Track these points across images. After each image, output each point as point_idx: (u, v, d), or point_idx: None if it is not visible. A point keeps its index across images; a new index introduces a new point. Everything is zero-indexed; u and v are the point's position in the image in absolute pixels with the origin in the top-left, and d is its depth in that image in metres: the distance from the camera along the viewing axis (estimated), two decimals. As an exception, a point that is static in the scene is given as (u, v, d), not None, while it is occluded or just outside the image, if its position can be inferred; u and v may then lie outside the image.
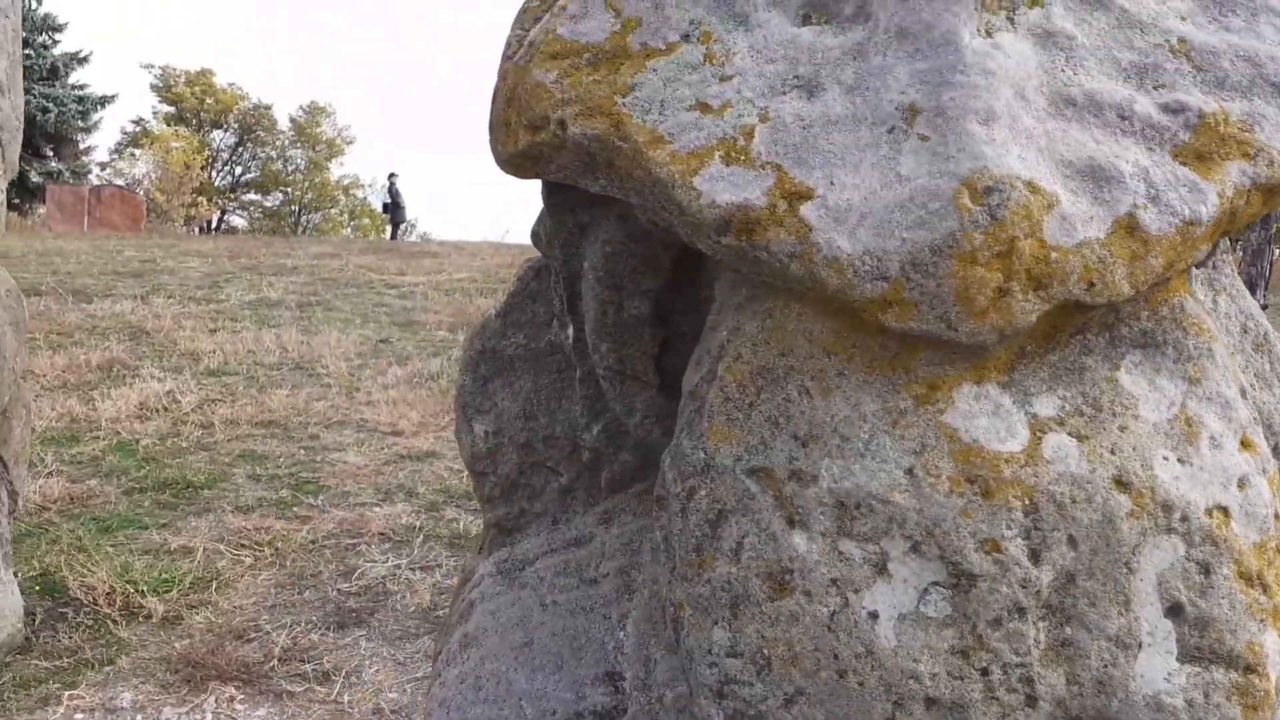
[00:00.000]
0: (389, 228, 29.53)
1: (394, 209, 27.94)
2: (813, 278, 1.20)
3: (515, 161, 1.49)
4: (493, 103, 1.55)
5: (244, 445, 5.68)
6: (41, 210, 32.84)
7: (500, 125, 1.49)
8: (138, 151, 40.44)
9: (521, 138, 1.44)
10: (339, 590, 4.08)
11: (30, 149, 30.23)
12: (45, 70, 29.69)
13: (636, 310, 1.52)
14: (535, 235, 1.74)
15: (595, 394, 1.63)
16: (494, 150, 1.56)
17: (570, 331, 1.64)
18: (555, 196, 1.59)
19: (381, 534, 4.57)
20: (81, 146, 35.02)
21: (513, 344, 1.79)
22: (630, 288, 1.51)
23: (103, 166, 38.51)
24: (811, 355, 1.24)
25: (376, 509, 4.87)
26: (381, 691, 3.40)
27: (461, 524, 4.72)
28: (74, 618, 3.80)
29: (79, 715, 3.23)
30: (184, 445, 5.63)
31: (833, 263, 1.19)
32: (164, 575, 4.07)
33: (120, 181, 38.19)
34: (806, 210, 1.21)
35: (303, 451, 5.64)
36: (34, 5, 30.05)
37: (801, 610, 1.16)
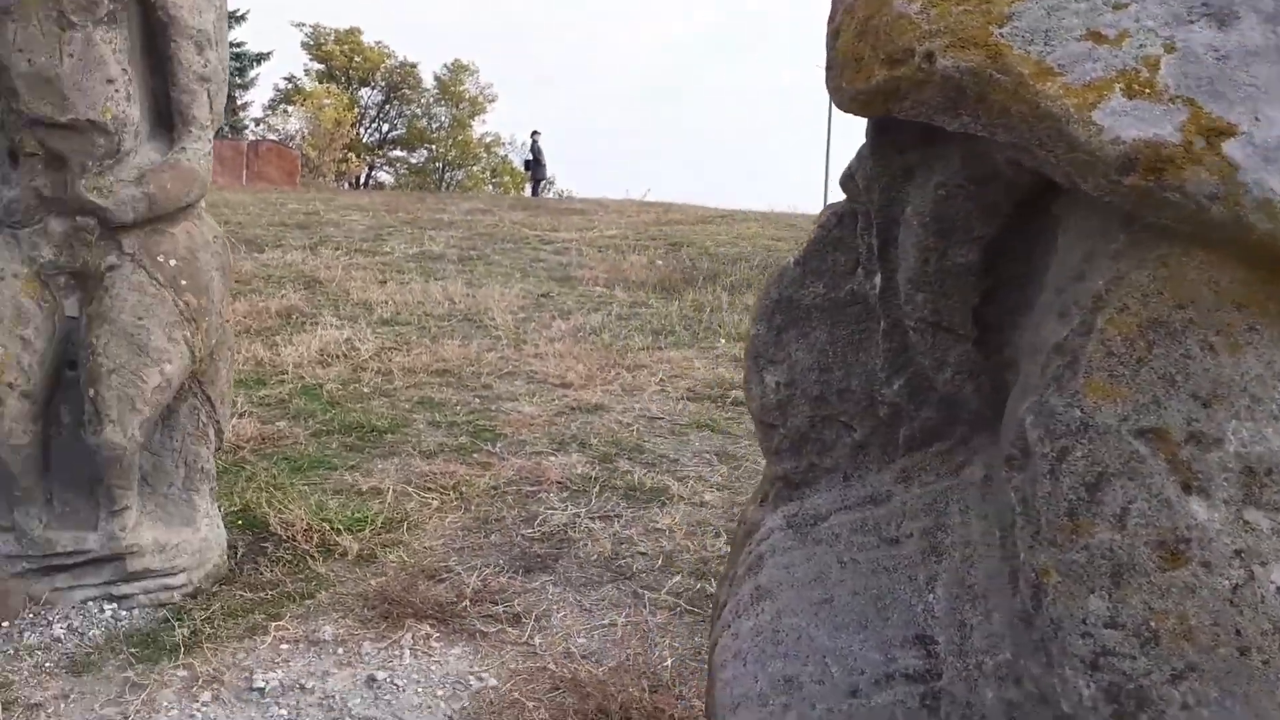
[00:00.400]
0: (529, 185, 29.84)
1: (535, 166, 28.20)
2: (1238, 222, 1.09)
3: (863, 99, 1.41)
4: (833, 39, 1.46)
5: (421, 393, 5.79)
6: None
7: (848, 60, 1.40)
8: (290, 108, 41.74)
9: (877, 73, 1.35)
10: (523, 535, 4.11)
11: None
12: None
13: (963, 258, 1.42)
14: (846, 179, 1.66)
15: (899, 347, 1.55)
16: (835, 88, 1.47)
17: (878, 280, 1.56)
18: (883, 136, 1.50)
19: (559, 483, 4.59)
20: (238, 102, 36.26)
21: (811, 293, 1.71)
22: (960, 234, 1.42)
23: (257, 122, 39.82)
24: (1217, 308, 1.13)
25: (552, 458, 4.90)
26: (571, 636, 3.41)
27: (635, 476, 4.71)
28: (273, 552, 3.92)
29: (284, 645, 3.33)
30: (365, 391, 5.76)
31: (1264, 205, 1.08)
32: (356, 514, 4.17)
33: (274, 137, 39.59)
34: (1230, 148, 1.10)
35: (477, 400, 5.72)
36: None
37: (1198, 582, 1.07)
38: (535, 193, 28.13)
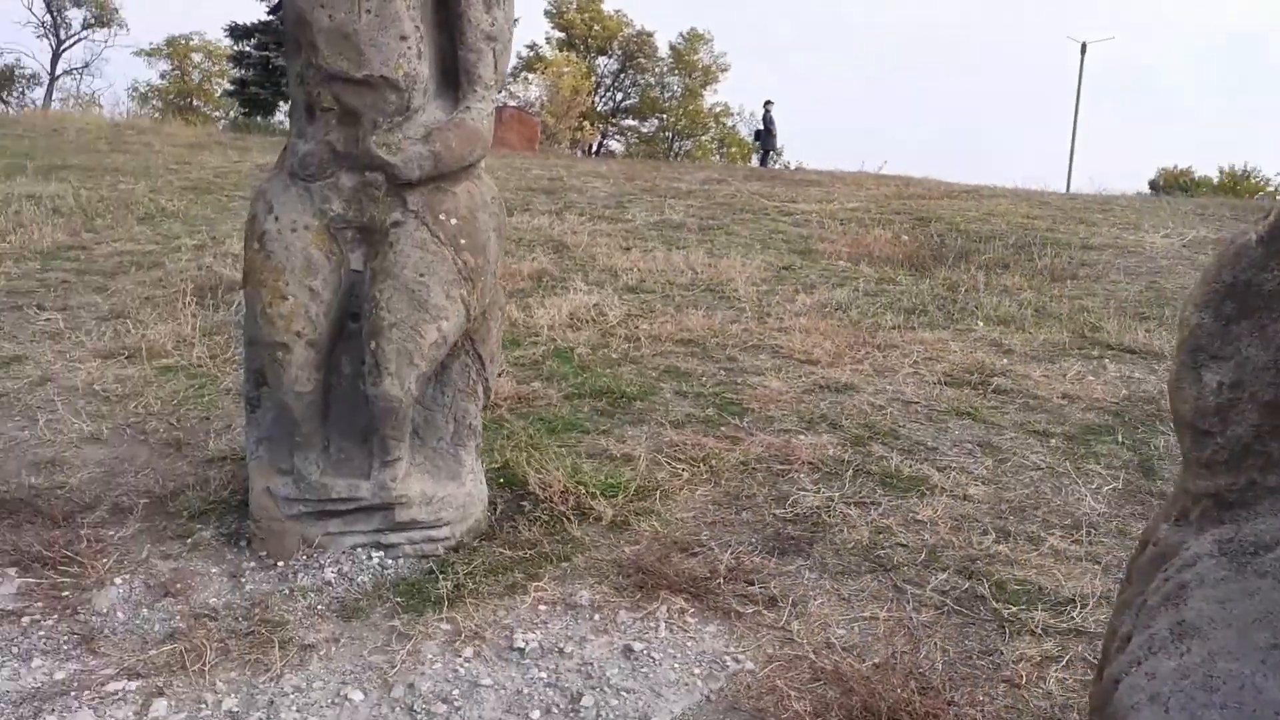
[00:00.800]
0: (759, 155, 29.53)
1: (766, 136, 27.83)
2: None
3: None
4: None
5: (667, 361, 5.74)
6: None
7: None
8: (531, 75, 42.91)
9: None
10: (774, 515, 3.98)
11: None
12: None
13: None
14: None
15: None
16: None
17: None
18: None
19: (810, 463, 4.43)
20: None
21: (1275, 278, 1.47)
22: None
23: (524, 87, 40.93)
24: None
25: (801, 437, 4.74)
26: (829, 626, 3.26)
27: (892, 463, 4.49)
28: (531, 511, 3.94)
29: (542, 606, 3.33)
30: (613, 356, 5.77)
31: None
32: (610, 480, 4.15)
33: (514, 103, 40.82)
34: None
35: (723, 372, 5.62)
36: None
37: None
38: (764, 163, 27.80)
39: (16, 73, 41.93)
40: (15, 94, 41.26)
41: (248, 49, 31.97)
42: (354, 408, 3.70)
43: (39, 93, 41.76)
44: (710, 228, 10.41)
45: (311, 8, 3.34)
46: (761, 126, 28.15)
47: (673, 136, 45.92)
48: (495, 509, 3.97)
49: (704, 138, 47.04)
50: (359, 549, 3.70)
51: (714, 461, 4.38)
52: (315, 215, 3.54)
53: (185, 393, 5.08)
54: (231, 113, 41.79)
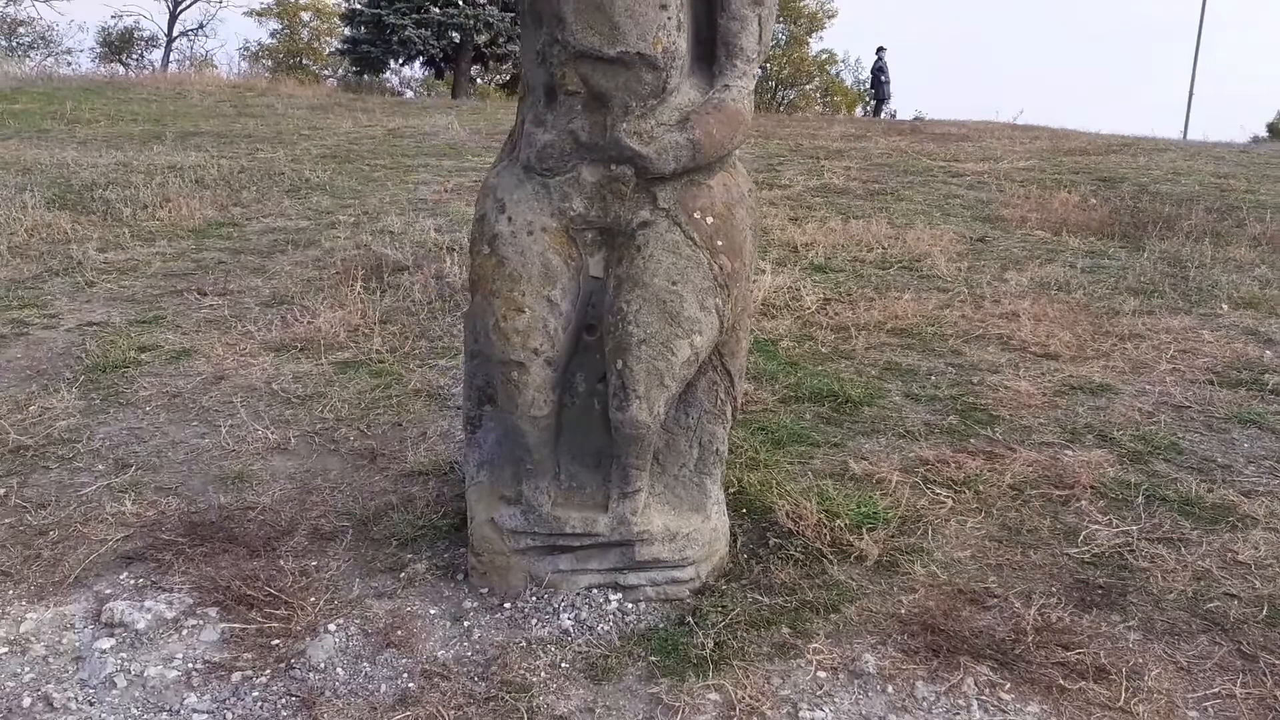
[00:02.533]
0: (871, 105, 28.50)
1: (880, 85, 26.81)
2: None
3: None
4: None
5: (884, 356, 5.24)
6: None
7: None
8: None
9: None
10: (1069, 556, 3.47)
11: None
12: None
13: None
14: None
15: None
16: None
17: None
18: None
19: (1092, 488, 3.89)
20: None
21: None
22: None
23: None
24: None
25: (1068, 452, 4.20)
26: (1177, 706, 2.78)
27: (1186, 486, 3.94)
28: (778, 545, 3.50)
29: (822, 674, 2.92)
30: (822, 351, 5.28)
31: None
32: (863, 509, 3.67)
33: None
34: None
35: (952, 370, 5.09)
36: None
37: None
38: (878, 113, 26.83)
39: (135, 36, 42.82)
40: (134, 56, 42.17)
41: (359, 6, 31.91)
42: (587, 429, 3.31)
43: (156, 55, 42.61)
44: (877, 193, 9.79)
45: (557, -26, 2.89)
46: (875, 75, 27.12)
47: (775, 85, 44.71)
48: (736, 541, 3.54)
49: (808, 86, 45.73)
50: (594, 590, 3.32)
51: (979, 485, 3.88)
52: (554, 215, 3.12)
53: (372, 394, 4.77)
54: (341, 70, 42.11)
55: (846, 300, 5.96)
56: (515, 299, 3.08)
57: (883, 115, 26.33)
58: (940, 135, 17.05)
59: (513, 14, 31.16)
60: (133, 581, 3.32)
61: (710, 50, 3.15)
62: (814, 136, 14.93)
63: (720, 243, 3.11)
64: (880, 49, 26.88)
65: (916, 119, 21.88)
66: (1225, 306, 5.96)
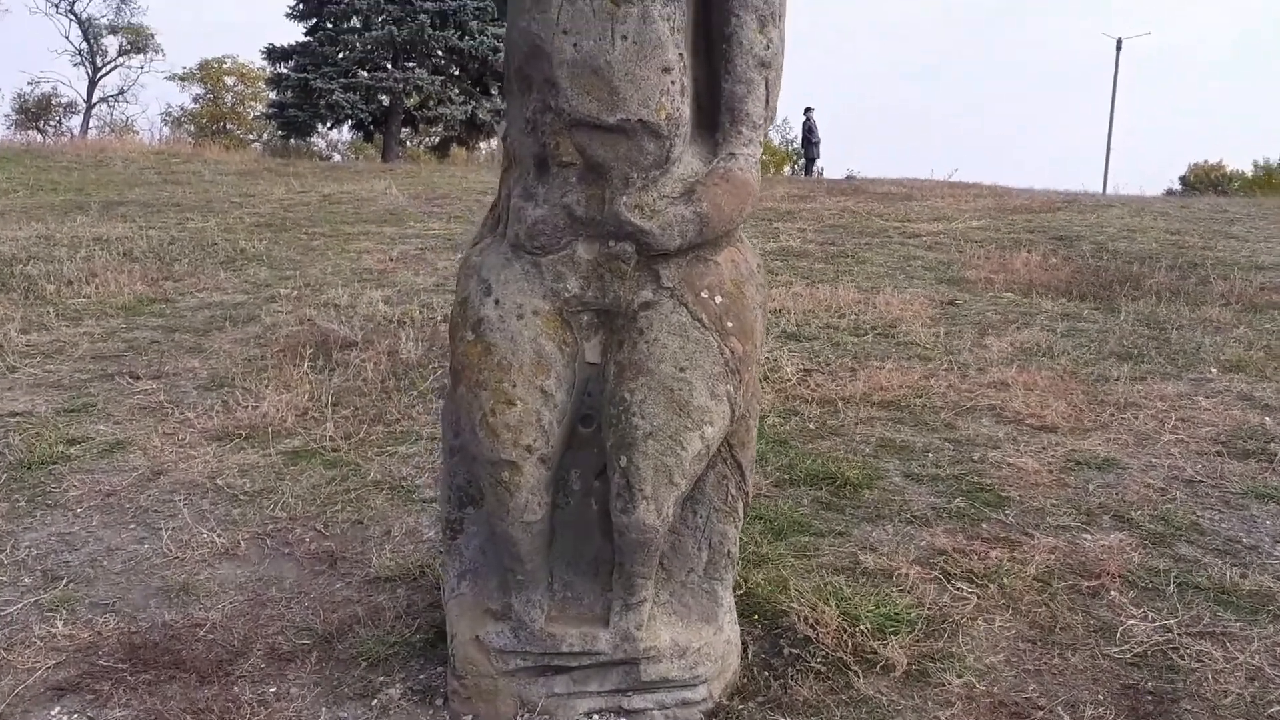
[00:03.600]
0: (803, 163, 28.97)
1: (808, 145, 27.32)
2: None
3: None
4: None
5: (875, 431, 5.00)
6: (485, 147, 35.27)
7: None
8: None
9: None
10: (1110, 657, 3.23)
11: (480, 88, 32.35)
12: (497, 11, 31.39)
13: None
14: None
15: None
16: None
17: None
18: None
19: (1121, 577, 3.65)
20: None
21: None
22: None
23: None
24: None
25: (1087, 536, 3.98)
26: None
27: (1217, 571, 3.74)
28: (796, 657, 3.20)
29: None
30: (810, 427, 5.04)
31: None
32: (882, 609, 3.39)
33: None
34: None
35: (949, 446, 4.86)
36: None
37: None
38: (808, 172, 27.29)
39: (53, 101, 41.98)
40: (52, 123, 41.30)
41: (285, 70, 31.66)
42: (584, 532, 3.02)
43: (75, 121, 41.78)
44: (836, 255, 9.67)
45: (551, 35, 2.65)
46: (805, 134, 27.62)
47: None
48: (747, 652, 3.24)
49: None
50: (594, 716, 3.00)
51: (1002, 578, 3.62)
52: (546, 297, 2.85)
53: (327, 488, 4.40)
54: (266, 135, 41.67)
55: (827, 371, 5.73)
56: (505, 390, 2.79)
57: (814, 174, 26.69)
58: (884, 195, 17.15)
59: (442, 77, 31.13)
60: (67, 718, 2.92)
61: (712, 116, 2.92)
62: (759, 197, 14.85)
63: (730, 324, 2.85)
64: (808, 109, 27.36)
65: (849, 177, 22.08)
66: (1214, 370, 5.84)
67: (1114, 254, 10.06)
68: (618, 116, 2.67)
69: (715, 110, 2.91)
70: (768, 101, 2.91)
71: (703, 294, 2.84)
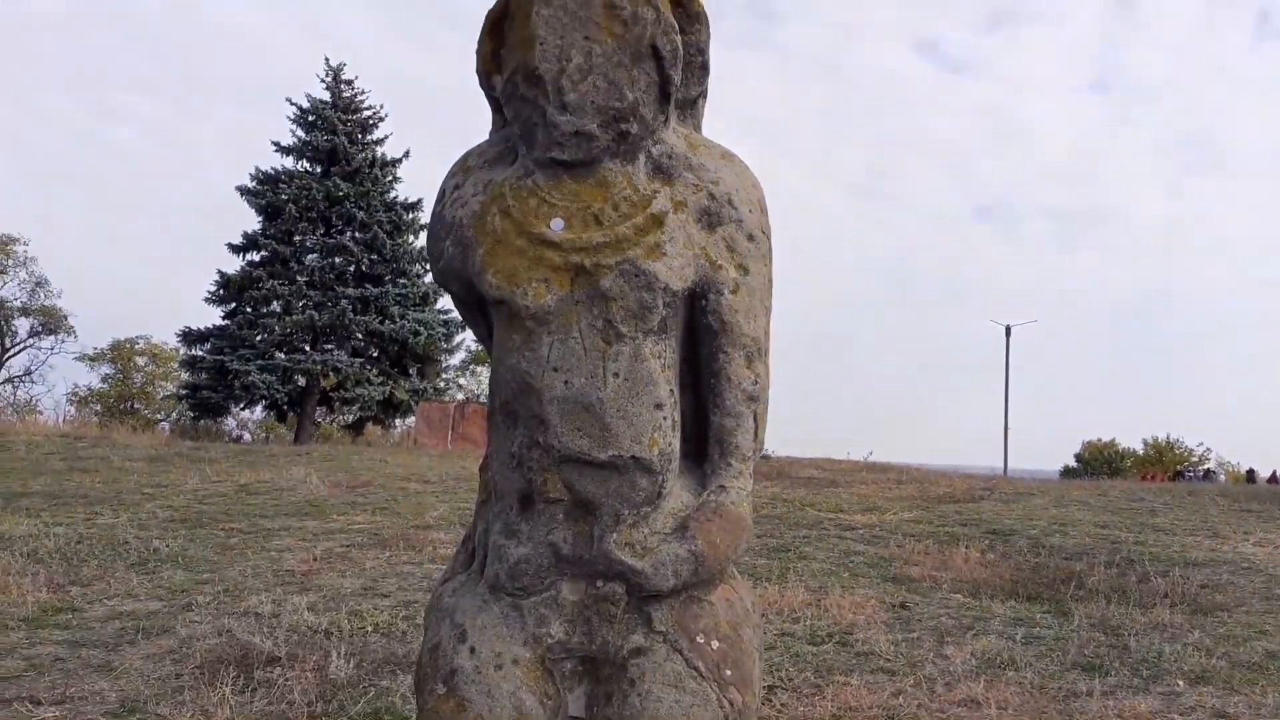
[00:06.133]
0: None
1: None
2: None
3: None
4: None
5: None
6: (400, 425, 35.30)
7: None
8: (480, 368, 43.22)
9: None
10: None
11: (399, 369, 32.78)
12: (418, 297, 32.31)
13: None
14: None
15: None
16: None
17: None
18: None
19: None
20: (441, 365, 37.46)
21: None
22: None
23: (446, 384, 40.79)
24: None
25: None
26: None
27: None
28: None
29: None
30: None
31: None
32: None
33: (462, 396, 40.73)
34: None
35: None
36: (411, 240, 33.03)
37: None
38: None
39: (-44, 382, 41.25)
40: (-47, 403, 40.40)
41: (201, 353, 31.82)
42: None
43: (-24, 401, 40.95)
44: (777, 549, 9.58)
45: (541, 372, 2.62)
46: None
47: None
48: None
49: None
50: None
51: None
52: (527, 643, 2.69)
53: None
54: (175, 414, 41.23)
55: (790, 688, 5.48)
56: (482, 755, 2.55)
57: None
58: (808, 480, 17.34)
59: (361, 359, 31.50)
60: None
61: (699, 446, 2.88)
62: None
63: (729, 672, 2.70)
64: None
65: (763, 456, 22.34)
66: (1181, 683, 5.73)
67: (1050, 550, 10.14)
68: (610, 453, 2.61)
69: (702, 441, 2.88)
70: (756, 434, 2.88)
71: (698, 639, 2.70)
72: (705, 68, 2.91)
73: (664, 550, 2.65)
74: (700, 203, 2.74)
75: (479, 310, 2.90)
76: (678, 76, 2.72)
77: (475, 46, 2.86)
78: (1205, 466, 49.14)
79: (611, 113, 2.62)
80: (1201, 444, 53.18)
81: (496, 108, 2.94)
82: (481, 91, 2.95)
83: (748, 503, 2.85)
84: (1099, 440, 54.58)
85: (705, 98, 3.00)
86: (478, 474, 3.00)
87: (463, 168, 2.96)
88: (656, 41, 2.63)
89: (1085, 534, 11.28)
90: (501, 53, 2.76)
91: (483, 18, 2.84)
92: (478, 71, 2.89)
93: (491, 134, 3.02)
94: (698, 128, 3.00)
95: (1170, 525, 12.52)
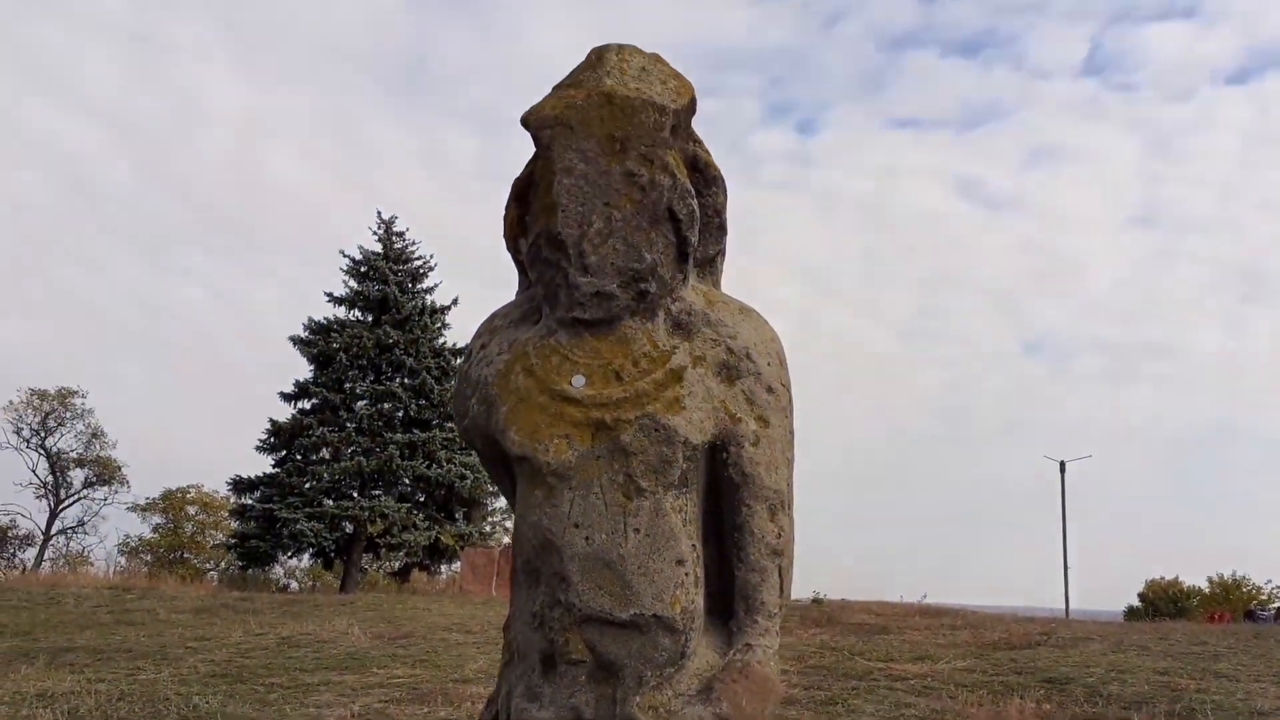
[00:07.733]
0: None
1: None
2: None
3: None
4: None
5: None
6: (446, 570, 35.02)
7: None
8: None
9: None
10: None
11: (445, 513, 32.69)
12: (463, 444, 32.42)
13: None
14: None
15: None
16: None
17: None
18: None
19: None
20: (488, 509, 37.36)
21: None
22: None
23: (492, 528, 40.54)
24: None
25: None
26: None
27: None
28: None
29: None
30: None
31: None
32: None
33: (507, 540, 40.39)
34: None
35: None
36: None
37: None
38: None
39: (10, 534, 41.64)
40: (6, 555, 40.74)
41: (250, 502, 31.98)
42: None
43: (30, 553, 41.26)
44: (825, 702, 9.26)
45: (562, 529, 2.62)
46: None
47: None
48: None
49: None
50: None
51: None
52: (552, 811, 2.59)
53: None
54: (224, 563, 41.21)
55: None
56: None
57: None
58: (858, 625, 16.86)
59: (408, 504, 31.47)
60: None
61: (724, 602, 2.84)
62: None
63: (756, 841, 2.59)
64: None
65: (816, 600, 21.71)
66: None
67: (1107, 698, 9.73)
68: (631, 612, 2.58)
69: (727, 597, 2.84)
70: (781, 589, 2.84)
71: (725, 805, 2.60)
72: (723, 228, 2.99)
73: (688, 713, 2.60)
74: (719, 357, 2.77)
75: (503, 467, 2.92)
76: (695, 237, 2.78)
77: (502, 212, 2.96)
78: (1276, 605, 47.33)
79: (631, 273, 2.68)
80: (1270, 581, 51.35)
81: (522, 270, 3.02)
82: (508, 254, 3.04)
83: (775, 662, 2.79)
84: (1161, 578, 52.90)
85: (724, 255, 3.07)
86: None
87: (489, 327, 3.02)
88: (673, 206, 2.71)
89: (1144, 681, 10.80)
90: (526, 219, 2.85)
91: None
92: (504, 236, 2.98)
93: (517, 294, 3.09)
94: (717, 284, 3.06)
95: (1234, 671, 11.99)
